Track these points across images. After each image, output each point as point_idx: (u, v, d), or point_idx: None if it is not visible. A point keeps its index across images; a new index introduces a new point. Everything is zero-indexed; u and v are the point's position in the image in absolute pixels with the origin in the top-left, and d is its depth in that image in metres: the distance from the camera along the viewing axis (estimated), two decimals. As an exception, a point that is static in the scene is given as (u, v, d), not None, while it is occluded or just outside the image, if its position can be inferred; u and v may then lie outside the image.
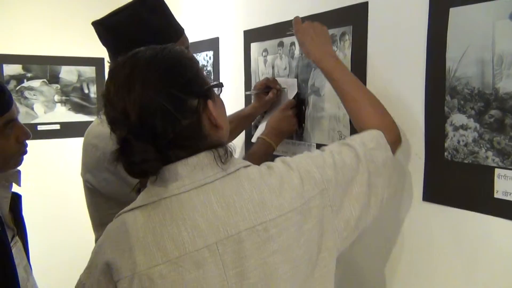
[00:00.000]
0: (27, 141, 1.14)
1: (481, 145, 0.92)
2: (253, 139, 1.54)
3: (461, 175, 0.97)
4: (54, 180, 2.80)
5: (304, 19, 1.36)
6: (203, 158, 0.78)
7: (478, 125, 0.93)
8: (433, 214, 1.04)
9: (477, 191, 0.94)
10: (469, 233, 0.97)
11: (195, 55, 2.07)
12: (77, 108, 2.98)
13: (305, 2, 1.37)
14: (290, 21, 1.43)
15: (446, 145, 0.99)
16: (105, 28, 1.15)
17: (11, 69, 2.75)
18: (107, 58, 1.21)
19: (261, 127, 1.52)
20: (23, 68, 2.79)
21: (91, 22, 1.17)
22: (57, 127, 2.90)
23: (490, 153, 0.91)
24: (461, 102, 0.95)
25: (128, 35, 1.12)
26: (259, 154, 1.29)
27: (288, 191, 0.79)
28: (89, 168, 1.17)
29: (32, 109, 2.83)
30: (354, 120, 1.04)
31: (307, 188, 0.80)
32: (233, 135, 1.59)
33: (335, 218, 0.82)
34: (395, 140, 0.97)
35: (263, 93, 1.49)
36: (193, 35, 2.08)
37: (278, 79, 1.49)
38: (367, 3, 1.16)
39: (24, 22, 2.75)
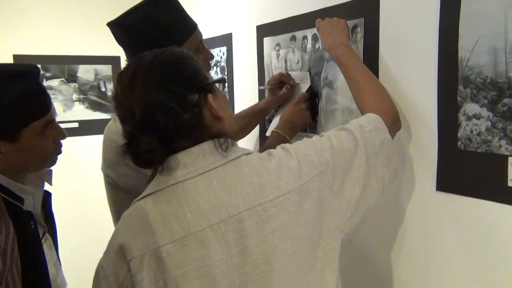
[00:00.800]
0: None
1: (494, 134, 0.92)
2: (268, 133, 1.55)
3: (474, 164, 0.97)
4: (75, 177, 2.86)
5: (316, 12, 1.38)
6: (206, 147, 0.83)
7: (491, 114, 0.93)
8: (447, 203, 1.04)
9: (491, 180, 0.94)
10: (483, 222, 0.97)
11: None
12: (95, 106, 3.03)
13: (316, -4, 1.38)
14: (302, 15, 1.45)
15: (459, 134, 0.99)
16: (120, 28, 1.18)
17: (30, 69, 2.82)
18: (123, 57, 1.24)
19: (275, 121, 1.54)
20: (42, 68, 2.85)
21: (106, 22, 1.20)
22: (76, 125, 2.96)
23: (503, 142, 0.91)
24: (474, 92, 0.95)
25: (141, 34, 1.15)
26: (274, 148, 1.30)
27: (286, 173, 0.83)
28: (109, 163, 1.20)
29: (52, 108, 2.90)
30: (357, 103, 1.09)
31: (305, 171, 0.84)
32: (248, 129, 1.61)
33: (336, 199, 0.86)
34: (392, 122, 1.00)
35: (277, 88, 1.50)
36: (206, 31, 2.10)
37: (291, 72, 1.50)
38: (378, -6, 1.17)
39: (40, 23, 2.80)
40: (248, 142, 1.77)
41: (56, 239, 1.27)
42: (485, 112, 0.94)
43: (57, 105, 2.91)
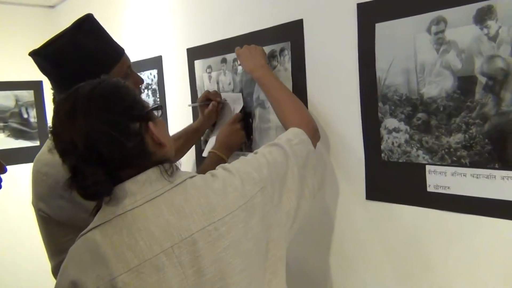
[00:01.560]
0: None
1: (412, 145, 1.03)
2: (204, 154, 1.58)
3: (398, 173, 1.07)
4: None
5: (245, 36, 1.43)
6: (151, 174, 0.85)
7: (408, 128, 1.03)
8: (376, 211, 1.13)
9: (413, 187, 1.04)
10: (408, 225, 1.07)
11: (139, 74, 2.09)
12: (17, 134, 2.87)
13: (245, 20, 1.44)
14: (232, 38, 1.50)
15: (382, 147, 1.09)
16: (44, 58, 1.14)
17: None
18: (46, 82, 1.21)
19: (211, 141, 1.57)
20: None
21: (26, 45, 1.16)
22: (-4, 155, 2.79)
23: (420, 152, 1.01)
24: (392, 108, 1.05)
25: (68, 63, 1.12)
26: (212, 167, 1.33)
27: (232, 192, 0.87)
28: (42, 197, 1.15)
29: (-32, 138, 2.70)
30: (280, 119, 1.20)
31: (248, 188, 0.89)
32: (184, 150, 1.63)
33: (277, 212, 0.92)
34: (313, 132, 1.11)
35: (205, 106, 1.54)
36: (136, 54, 2.09)
37: (224, 94, 1.55)
38: (301, 20, 1.25)
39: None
40: (185, 163, 1.78)
41: None
42: (403, 126, 1.04)
43: (-25, 135, 2.72)
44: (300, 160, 0.99)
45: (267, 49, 1.36)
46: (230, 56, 1.52)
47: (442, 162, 0.98)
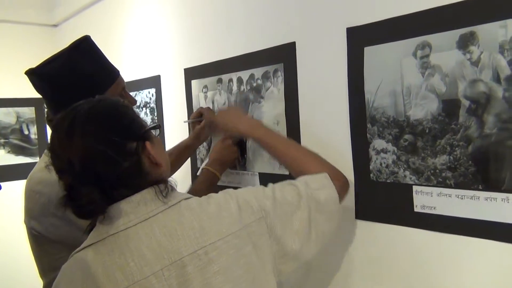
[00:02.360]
0: None
1: (400, 166, 1.05)
2: (199, 172, 1.60)
3: (386, 193, 1.08)
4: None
5: (240, 57, 1.47)
6: (146, 194, 0.84)
7: (395, 149, 1.05)
8: (365, 230, 1.15)
9: (401, 207, 1.06)
10: (397, 244, 1.08)
11: (137, 92, 2.13)
12: (17, 150, 2.90)
13: (240, 42, 1.48)
14: (227, 59, 1.54)
15: (371, 167, 1.11)
16: (40, 77, 1.16)
17: None
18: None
19: (206, 161, 1.59)
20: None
21: (27, 62, 1.18)
22: (-4, 171, 2.81)
23: (407, 173, 1.03)
24: (380, 129, 1.08)
25: (63, 82, 1.14)
26: (206, 184, 1.36)
27: (226, 217, 0.86)
28: (34, 215, 1.16)
29: (-32, 154, 2.73)
30: (298, 175, 1.05)
31: (244, 215, 0.88)
32: (175, 166, 1.64)
33: (273, 246, 0.89)
34: (341, 184, 1.02)
35: (198, 122, 1.56)
36: (135, 73, 2.14)
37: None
38: (294, 42, 1.29)
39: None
40: (182, 182, 1.80)
41: None
42: (390, 147, 1.06)
43: (-25, 151, 2.75)
44: (314, 204, 0.95)
45: (261, 70, 1.39)
46: (225, 77, 1.55)
47: (428, 182, 1.00)
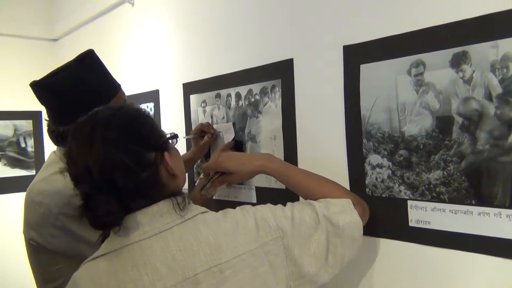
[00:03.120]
0: None
1: (395, 181, 1.07)
2: (197, 183, 1.61)
3: (381, 208, 1.10)
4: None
5: (239, 73, 1.50)
6: (162, 206, 0.83)
7: (390, 164, 1.07)
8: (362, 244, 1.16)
9: (396, 221, 1.07)
10: (392, 259, 1.09)
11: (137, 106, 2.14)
12: (14, 163, 2.90)
13: (239, 58, 1.51)
14: (226, 74, 1.56)
15: (366, 182, 1.13)
16: (46, 89, 1.18)
17: None
18: (44, 114, 1.24)
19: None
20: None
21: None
22: (-8, 183, 2.81)
23: (402, 187, 1.05)
24: (375, 144, 1.10)
25: (67, 94, 1.16)
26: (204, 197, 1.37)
27: (243, 234, 0.85)
28: (33, 225, 1.17)
29: (-35, 166, 2.73)
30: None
31: (261, 234, 0.86)
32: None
33: (289, 267, 0.87)
34: (363, 211, 1.01)
35: (199, 137, 1.58)
36: (134, 87, 2.16)
37: (215, 125, 1.60)
38: (292, 59, 1.31)
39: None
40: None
41: None
42: (385, 162, 1.08)
43: (-29, 163, 2.75)
44: (332, 228, 0.93)
45: (259, 85, 1.42)
46: (224, 92, 1.58)
47: (422, 197, 1.01)
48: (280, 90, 1.36)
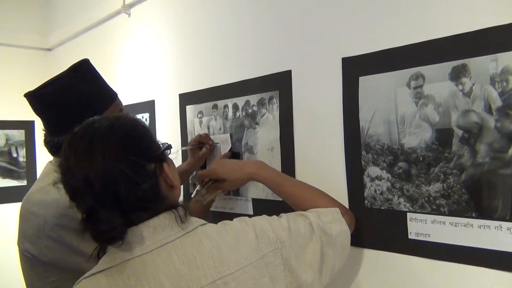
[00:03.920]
0: None
1: (394, 193, 1.06)
2: (193, 195, 1.60)
3: (381, 220, 1.09)
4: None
5: (237, 84, 1.50)
6: (164, 219, 0.82)
7: (390, 176, 1.07)
8: (360, 257, 1.15)
9: (395, 234, 1.07)
10: (391, 271, 1.09)
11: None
12: (4, 173, 2.86)
13: (236, 69, 1.51)
14: (223, 85, 1.56)
15: (365, 194, 1.12)
16: (39, 99, 1.17)
17: None
18: (38, 123, 1.23)
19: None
20: None
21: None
22: (-18, 193, 2.77)
23: (402, 200, 1.05)
24: (374, 156, 1.10)
25: (62, 104, 1.15)
26: (200, 207, 1.35)
27: (245, 246, 0.84)
28: (29, 237, 1.14)
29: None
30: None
31: (262, 245, 0.86)
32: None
33: (287, 277, 0.87)
34: (350, 220, 1.04)
35: (197, 149, 1.57)
36: (129, 97, 2.15)
37: (212, 136, 1.60)
38: (290, 71, 1.32)
39: None
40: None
41: None
42: (385, 174, 1.08)
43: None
44: (326, 238, 0.95)
45: (257, 97, 1.42)
46: (221, 103, 1.57)
47: (422, 210, 1.01)
48: (278, 101, 1.36)
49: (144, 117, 2.06)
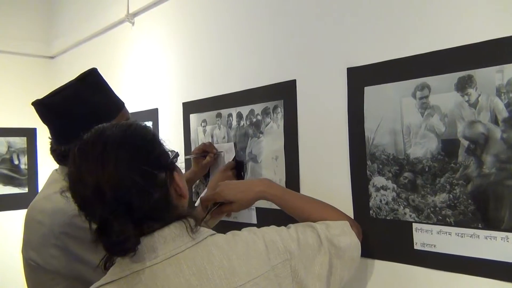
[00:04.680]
0: None
1: (399, 203, 1.06)
2: (196, 203, 1.60)
3: (386, 230, 1.09)
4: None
5: (242, 93, 1.50)
6: (174, 229, 0.80)
7: (395, 186, 1.07)
8: (365, 267, 1.14)
9: (400, 244, 1.07)
10: (396, 282, 1.08)
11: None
12: (6, 180, 2.86)
13: (241, 78, 1.51)
14: (227, 94, 1.56)
15: (370, 204, 1.12)
16: (47, 108, 1.17)
17: None
18: (40, 130, 1.23)
19: (204, 191, 1.59)
20: None
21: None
22: (-17, 201, 2.76)
23: (407, 210, 1.05)
24: (380, 166, 1.10)
25: (69, 113, 1.15)
26: (202, 216, 1.35)
27: (255, 257, 0.84)
28: (33, 245, 1.13)
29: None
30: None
31: (272, 257, 0.86)
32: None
33: None
34: (358, 233, 1.04)
35: (201, 157, 1.57)
36: (133, 105, 2.15)
37: (216, 145, 1.60)
38: (295, 80, 1.32)
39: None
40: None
41: None
42: (390, 184, 1.08)
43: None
44: (334, 250, 0.95)
45: (261, 106, 1.42)
46: (225, 111, 1.58)
47: (428, 220, 1.01)
48: (283, 110, 1.36)
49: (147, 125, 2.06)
